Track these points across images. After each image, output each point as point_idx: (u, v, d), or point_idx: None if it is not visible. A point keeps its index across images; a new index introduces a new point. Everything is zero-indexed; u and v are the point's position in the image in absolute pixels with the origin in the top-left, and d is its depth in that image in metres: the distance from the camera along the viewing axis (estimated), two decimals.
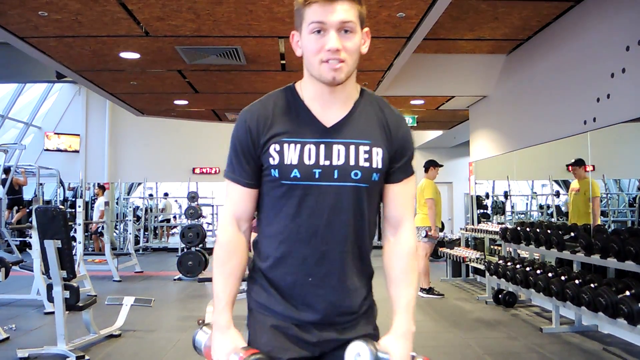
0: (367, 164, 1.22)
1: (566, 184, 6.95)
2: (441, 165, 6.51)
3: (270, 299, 1.27)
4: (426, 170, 6.45)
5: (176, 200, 15.15)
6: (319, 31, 1.17)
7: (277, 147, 1.21)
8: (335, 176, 1.21)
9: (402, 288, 1.28)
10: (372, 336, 1.28)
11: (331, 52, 1.16)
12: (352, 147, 1.22)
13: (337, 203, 1.21)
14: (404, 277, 1.29)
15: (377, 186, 1.26)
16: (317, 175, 1.20)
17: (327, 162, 1.20)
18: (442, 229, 7.73)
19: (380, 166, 1.24)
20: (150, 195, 14.00)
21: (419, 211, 6.34)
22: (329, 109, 1.25)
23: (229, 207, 1.29)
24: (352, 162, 1.21)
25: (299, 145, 1.21)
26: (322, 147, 1.21)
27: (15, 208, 10.55)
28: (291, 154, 1.20)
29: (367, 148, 1.23)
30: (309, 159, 1.20)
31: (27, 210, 11.41)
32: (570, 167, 5.94)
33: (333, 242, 1.23)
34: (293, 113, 1.24)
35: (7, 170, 8.97)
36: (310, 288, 1.24)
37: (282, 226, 1.24)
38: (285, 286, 1.26)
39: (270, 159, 1.21)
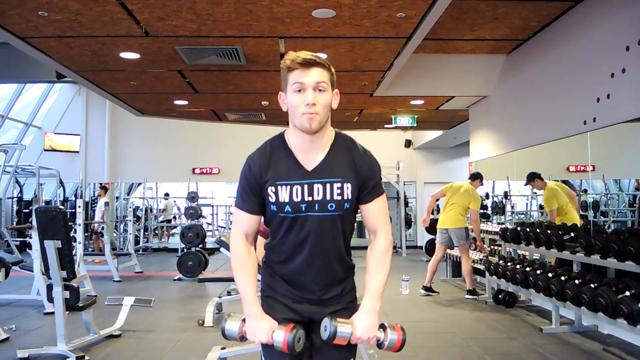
0: (339, 197, 1.61)
1: (566, 184, 6.95)
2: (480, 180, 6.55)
3: (275, 283, 1.71)
4: (474, 179, 6.41)
5: (174, 202, 15.13)
6: (299, 90, 1.55)
7: (273, 189, 1.62)
8: (317, 208, 1.61)
9: (373, 276, 1.66)
10: (347, 309, 1.69)
11: (309, 105, 1.54)
12: (327, 185, 1.61)
13: (320, 227, 1.62)
14: (376, 269, 1.67)
15: (349, 211, 1.66)
16: (303, 209, 1.61)
17: (310, 198, 1.60)
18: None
19: (350, 197, 1.63)
20: (151, 198, 14.00)
21: (449, 210, 6.26)
22: (309, 154, 1.63)
23: (238, 226, 1.70)
24: (328, 197, 1.61)
25: (289, 187, 1.61)
26: (305, 187, 1.61)
27: None
28: (284, 194, 1.61)
29: (339, 185, 1.62)
30: (297, 196, 1.60)
31: (27, 210, 11.43)
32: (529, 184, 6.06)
33: (318, 252, 1.65)
34: (283, 160, 1.64)
35: None
36: (303, 283, 1.68)
37: (283, 241, 1.68)
38: (286, 278, 1.70)
39: (270, 197, 1.63)
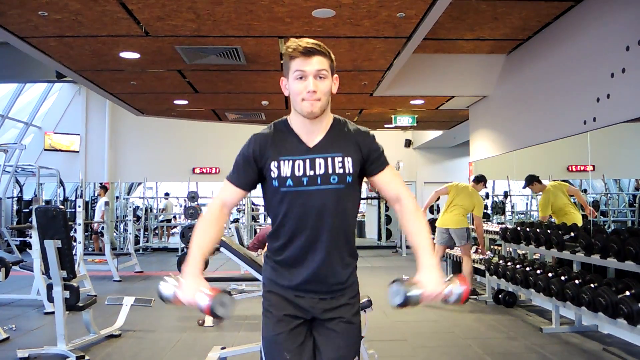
0: (341, 170, 1.64)
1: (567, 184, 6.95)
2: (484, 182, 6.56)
3: (277, 275, 1.70)
4: (477, 182, 6.40)
5: (178, 199, 15.13)
6: (301, 77, 1.60)
7: (276, 164, 1.64)
8: (319, 182, 1.62)
9: (418, 235, 1.66)
10: (350, 304, 1.70)
11: (310, 93, 1.59)
12: (329, 159, 1.64)
13: (322, 201, 1.63)
14: (415, 228, 1.67)
15: (352, 187, 1.67)
16: (305, 182, 1.62)
17: (312, 172, 1.63)
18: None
19: (351, 171, 1.65)
20: (151, 197, 14.00)
21: (451, 211, 6.25)
22: (311, 134, 1.67)
23: (221, 195, 1.72)
24: (330, 171, 1.63)
25: (291, 162, 1.64)
26: (307, 161, 1.64)
27: None
28: (286, 169, 1.63)
29: (340, 159, 1.65)
30: (299, 170, 1.63)
31: (27, 210, 11.43)
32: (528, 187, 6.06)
33: (322, 230, 1.64)
34: (286, 139, 1.68)
35: None
36: (306, 265, 1.65)
37: (285, 221, 1.66)
38: (289, 262, 1.68)
39: (272, 173, 1.64)
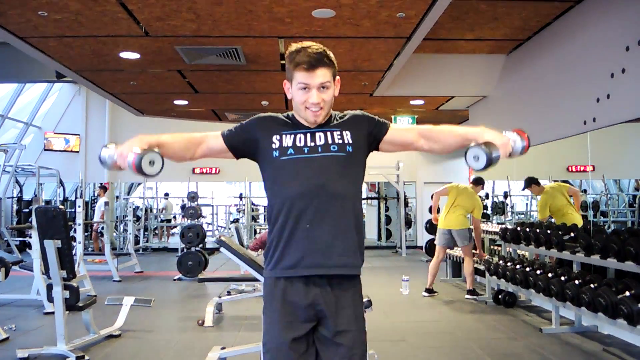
0: (340, 140, 1.70)
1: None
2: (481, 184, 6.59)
3: (280, 256, 1.66)
4: (477, 185, 6.44)
5: (182, 200, 15.13)
6: (304, 88, 1.64)
7: (278, 137, 1.71)
8: (320, 150, 1.68)
9: (455, 130, 1.73)
10: (355, 299, 1.70)
11: (313, 104, 1.65)
12: (328, 133, 1.71)
13: (324, 167, 1.66)
14: (450, 129, 1.73)
15: (353, 155, 1.70)
16: (306, 151, 1.68)
17: (312, 143, 1.69)
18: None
19: (350, 141, 1.71)
20: (151, 197, 14.00)
21: (453, 212, 6.25)
22: (313, 125, 1.74)
23: (204, 135, 1.76)
24: (330, 141, 1.70)
25: (292, 135, 1.71)
26: (308, 135, 1.71)
27: None
28: (287, 141, 1.70)
29: (338, 132, 1.72)
30: (300, 142, 1.69)
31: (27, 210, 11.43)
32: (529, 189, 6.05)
33: (325, 196, 1.64)
34: (290, 123, 1.75)
35: None
36: (310, 234, 1.63)
37: (284, 189, 1.68)
38: (294, 240, 1.64)
39: (273, 145, 1.69)
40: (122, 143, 1.57)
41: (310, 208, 1.63)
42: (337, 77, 1.72)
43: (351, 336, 1.64)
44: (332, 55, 1.68)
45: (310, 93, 1.64)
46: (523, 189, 6.26)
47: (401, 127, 1.82)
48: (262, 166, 1.75)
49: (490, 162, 1.53)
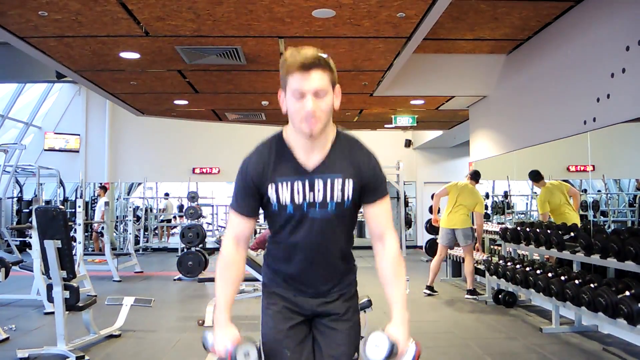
0: (340, 194, 1.58)
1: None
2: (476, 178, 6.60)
3: (276, 278, 1.72)
4: (476, 178, 6.46)
5: (178, 199, 15.12)
6: (299, 96, 1.47)
7: (274, 186, 1.57)
8: (317, 208, 1.58)
9: (394, 287, 1.60)
10: (348, 301, 1.70)
11: (309, 113, 1.46)
12: (328, 181, 1.57)
13: (321, 226, 1.60)
14: (395, 277, 1.61)
15: (351, 210, 1.63)
16: (305, 208, 1.58)
17: (311, 195, 1.57)
18: None
19: (350, 195, 1.59)
20: (151, 197, 13.99)
21: (456, 211, 6.25)
22: (310, 154, 1.58)
23: (230, 230, 1.66)
24: (328, 196, 1.57)
25: (289, 184, 1.57)
26: (307, 183, 1.57)
27: None
28: (285, 193, 1.57)
29: (340, 181, 1.57)
30: (298, 194, 1.57)
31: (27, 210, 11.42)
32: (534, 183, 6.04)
33: (320, 251, 1.64)
34: (283, 160, 1.58)
35: None
36: (304, 280, 1.67)
37: (284, 240, 1.66)
38: (288, 274, 1.69)
39: (271, 197, 1.59)
40: (212, 329, 1.58)
41: (304, 259, 1.65)
42: (338, 87, 1.55)
43: (347, 319, 1.69)
44: (330, 60, 1.51)
45: (305, 100, 1.46)
46: (531, 181, 6.19)
47: (384, 211, 1.64)
48: (262, 204, 1.66)
49: (391, 357, 1.47)
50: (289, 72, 1.48)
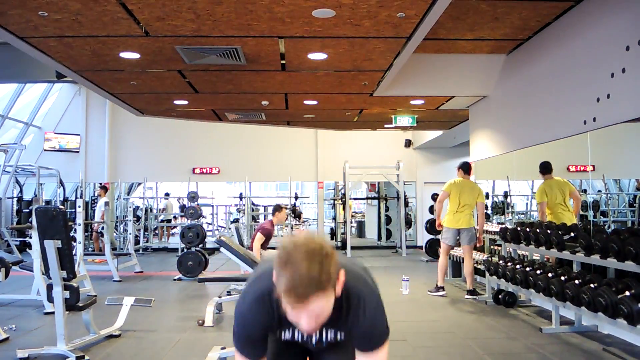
0: (334, 336, 1.63)
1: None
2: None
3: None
4: (468, 172, 6.47)
5: (178, 199, 15.12)
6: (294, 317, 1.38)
7: (276, 332, 1.65)
8: (314, 341, 1.65)
9: None
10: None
11: (304, 329, 1.40)
12: (324, 332, 1.62)
13: (318, 347, 1.68)
14: None
15: (347, 340, 1.64)
16: (300, 341, 1.66)
17: (307, 338, 1.65)
18: None
19: (344, 339, 1.63)
20: (151, 197, 13.99)
21: (462, 212, 6.26)
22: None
23: None
24: (324, 339, 1.64)
25: (290, 331, 1.63)
26: (304, 336, 1.63)
27: None
28: (286, 335, 1.64)
29: (333, 331, 1.61)
30: (298, 334, 1.63)
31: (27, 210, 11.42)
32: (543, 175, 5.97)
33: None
34: (282, 320, 1.51)
35: None
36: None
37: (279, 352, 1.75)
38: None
39: (270, 335, 1.67)
40: None
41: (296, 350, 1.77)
42: (341, 271, 1.40)
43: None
44: (330, 269, 1.33)
45: (301, 318, 1.35)
46: (541, 172, 6.08)
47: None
48: None
49: None
50: (282, 293, 1.32)
